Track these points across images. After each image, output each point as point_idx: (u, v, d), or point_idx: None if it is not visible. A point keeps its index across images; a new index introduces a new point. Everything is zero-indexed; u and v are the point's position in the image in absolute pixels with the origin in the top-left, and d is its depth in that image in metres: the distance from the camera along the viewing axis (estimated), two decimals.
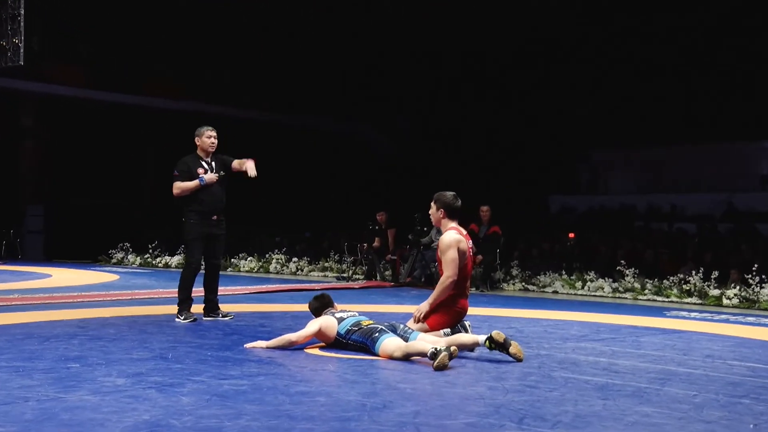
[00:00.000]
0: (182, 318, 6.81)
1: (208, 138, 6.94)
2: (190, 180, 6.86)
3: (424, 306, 5.69)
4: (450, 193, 5.83)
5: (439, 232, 12.18)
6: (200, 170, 6.91)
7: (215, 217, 6.97)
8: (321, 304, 5.75)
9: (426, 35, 16.80)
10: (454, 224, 5.79)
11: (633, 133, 17.02)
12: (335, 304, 5.79)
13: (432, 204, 5.86)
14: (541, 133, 17.33)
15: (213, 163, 6.97)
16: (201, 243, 6.93)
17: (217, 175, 6.90)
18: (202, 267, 7.20)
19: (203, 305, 7.12)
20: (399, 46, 17.16)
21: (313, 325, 5.53)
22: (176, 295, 7.05)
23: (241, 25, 16.95)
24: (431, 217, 5.93)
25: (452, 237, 5.66)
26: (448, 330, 5.66)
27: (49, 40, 15.76)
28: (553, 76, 16.80)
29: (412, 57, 17.45)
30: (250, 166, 6.85)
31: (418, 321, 5.68)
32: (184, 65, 17.72)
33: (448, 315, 5.70)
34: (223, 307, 7.27)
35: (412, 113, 19.40)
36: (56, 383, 4.16)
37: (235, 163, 6.99)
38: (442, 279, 5.64)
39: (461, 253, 5.63)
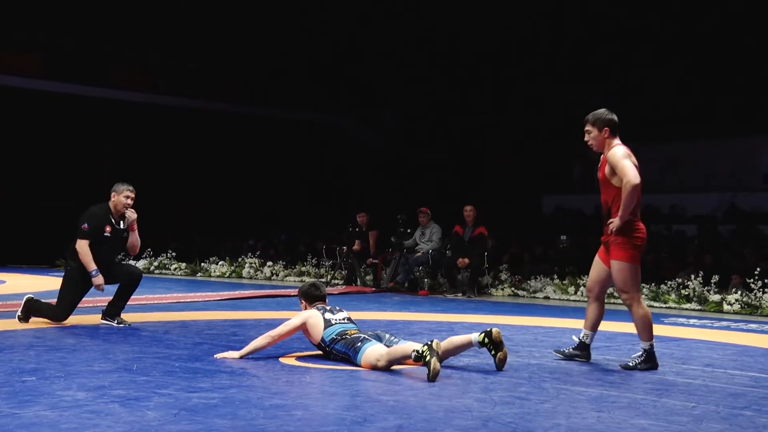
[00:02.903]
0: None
1: (125, 198, 7.03)
2: (97, 237, 6.97)
3: (616, 221, 5.35)
4: (603, 110, 5.57)
5: (424, 234, 12.45)
6: (107, 228, 7.03)
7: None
8: (314, 296, 5.66)
9: (415, 31, 16.87)
10: (617, 141, 5.52)
11: (630, 129, 17.11)
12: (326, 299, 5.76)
13: (590, 128, 5.52)
14: (536, 129, 17.40)
15: (122, 222, 7.13)
16: (81, 288, 7.08)
17: (102, 283, 6.98)
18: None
19: (105, 308, 7.29)
20: (389, 42, 17.21)
21: (297, 319, 5.47)
22: (140, 302, 7.12)
23: (218, 13, 16.91)
24: (593, 142, 5.54)
25: (624, 150, 5.42)
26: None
27: None
28: (549, 67, 16.87)
29: (401, 53, 17.51)
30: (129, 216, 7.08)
31: (610, 233, 5.42)
32: (150, 54, 17.60)
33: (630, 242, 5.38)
34: (192, 315, 7.29)
35: (400, 110, 19.43)
36: (10, 398, 4.13)
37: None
38: (624, 184, 5.26)
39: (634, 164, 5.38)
